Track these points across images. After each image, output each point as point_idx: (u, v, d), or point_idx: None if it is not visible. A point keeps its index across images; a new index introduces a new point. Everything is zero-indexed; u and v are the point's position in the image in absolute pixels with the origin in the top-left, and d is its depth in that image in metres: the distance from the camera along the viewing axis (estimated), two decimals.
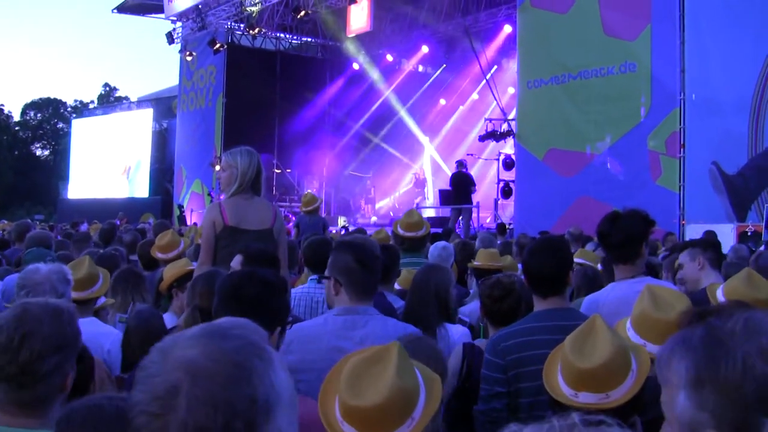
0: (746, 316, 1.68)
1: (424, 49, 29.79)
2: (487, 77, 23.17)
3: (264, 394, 1.35)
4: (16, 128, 75.82)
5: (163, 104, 42.37)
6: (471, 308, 6.07)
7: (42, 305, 2.76)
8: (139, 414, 1.32)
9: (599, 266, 6.86)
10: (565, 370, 2.99)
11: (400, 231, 7.32)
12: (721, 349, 1.62)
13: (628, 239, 4.56)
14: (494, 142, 23.22)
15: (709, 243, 6.26)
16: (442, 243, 7.98)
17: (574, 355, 2.95)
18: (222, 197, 5.97)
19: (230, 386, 1.32)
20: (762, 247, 9.42)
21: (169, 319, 5.05)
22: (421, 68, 31.89)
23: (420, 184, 29.82)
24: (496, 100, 22.95)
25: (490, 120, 23.59)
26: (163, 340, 1.43)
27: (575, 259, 6.56)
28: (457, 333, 5.02)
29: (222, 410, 1.31)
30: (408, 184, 31.37)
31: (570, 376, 2.94)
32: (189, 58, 31.73)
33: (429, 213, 24.66)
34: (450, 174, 24.14)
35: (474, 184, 21.19)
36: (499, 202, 22.70)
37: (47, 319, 2.67)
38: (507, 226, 18.09)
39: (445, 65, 30.84)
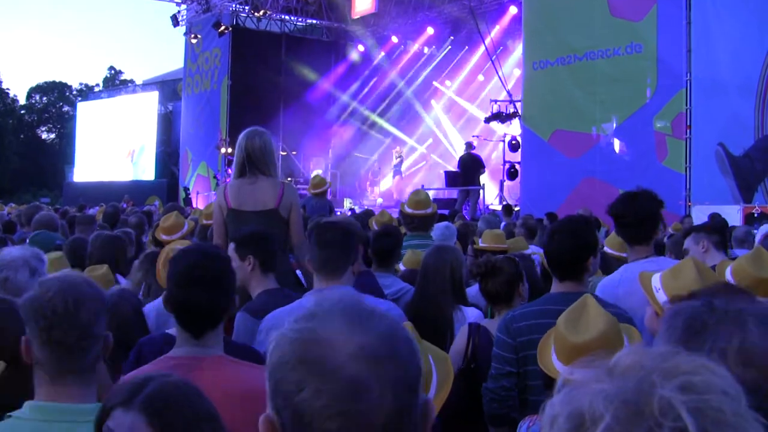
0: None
1: (430, 30, 29.69)
2: (493, 58, 23.11)
3: (420, 362, 1.37)
4: (22, 112, 75.88)
5: (168, 87, 42.42)
6: (476, 289, 6.08)
7: (69, 274, 2.84)
8: (334, 416, 1.24)
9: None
10: (560, 347, 3.00)
11: (408, 210, 7.31)
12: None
13: (645, 219, 4.51)
14: (500, 123, 23.16)
15: (714, 227, 6.32)
16: (444, 223, 8.01)
17: (568, 330, 2.96)
18: (228, 180, 5.99)
19: (409, 364, 1.33)
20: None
21: None
22: (426, 50, 31.74)
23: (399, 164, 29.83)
24: (501, 81, 22.90)
25: (496, 101, 23.51)
26: (299, 328, 1.33)
27: None
28: (472, 315, 5.00)
29: (410, 387, 1.32)
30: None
31: (564, 352, 2.95)
32: (194, 41, 31.71)
33: (436, 195, 24.61)
34: (454, 155, 24.10)
35: (483, 166, 21.16)
36: (505, 183, 22.65)
37: (85, 284, 2.73)
38: (513, 207, 18.07)
39: (450, 47, 30.74)
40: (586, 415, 1.01)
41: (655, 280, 3.45)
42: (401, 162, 29.92)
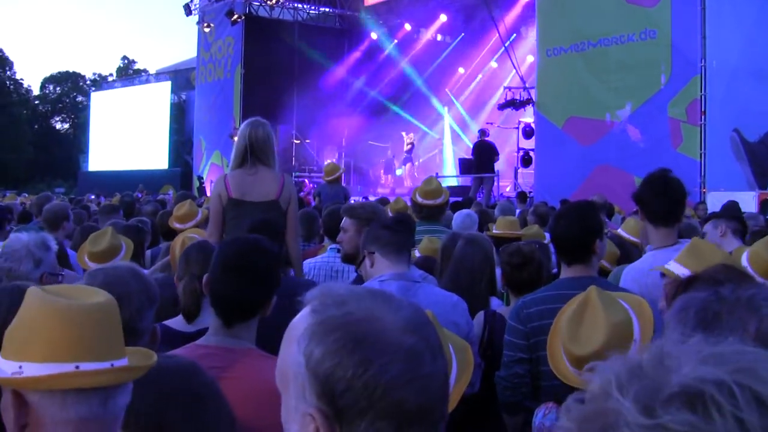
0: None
1: (443, 17, 29.61)
2: (506, 45, 23.04)
3: None
4: (36, 102, 76.25)
5: (181, 76, 42.51)
6: None
7: (118, 266, 2.83)
8: (406, 384, 1.30)
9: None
10: (567, 354, 2.98)
11: (419, 199, 7.25)
12: None
13: (676, 203, 4.48)
14: (513, 110, 23.12)
15: (733, 213, 6.36)
16: (466, 211, 7.97)
17: (569, 341, 2.93)
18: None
19: (436, 331, 1.42)
20: None
21: None
22: (439, 37, 31.68)
23: (411, 151, 29.71)
24: (515, 68, 22.83)
25: (510, 88, 23.47)
26: (336, 314, 1.37)
27: None
28: (495, 304, 4.99)
29: (442, 349, 1.40)
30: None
31: (572, 360, 2.93)
32: (207, 30, 31.73)
33: (450, 182, 24.58)
34: (469, 143, 24.05)
35: (497, 153, 21.11)
36: (519, 170, 22.64)
37: (131, 278, 2.73)
38: (527, 195, 18.04)
39: (463, 34, 30.64)
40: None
41: (677, 268, 3.42)
42: (412, 149, 29.83)
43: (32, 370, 1.70)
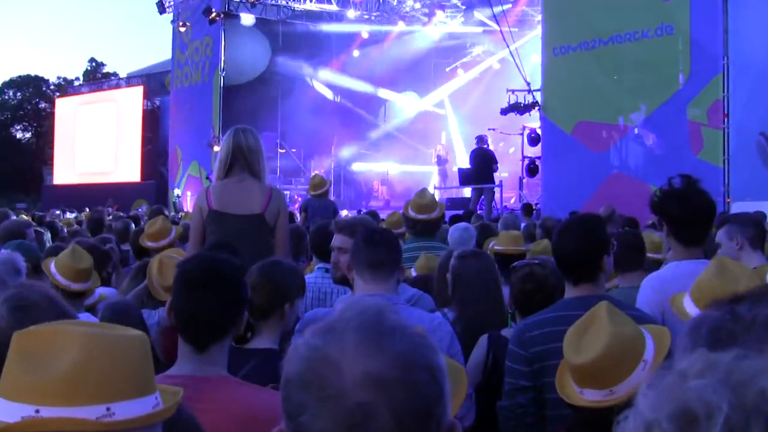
0: None
1: (440, 14, 29.62)
2: (509, 44, 23.07)
3: (445, 387, 1.39)
4: None
5: (155, 80, 42.41)
6: None
7: (27, 287, 2.83)
8: None
9: None
10: (569, 366, 2.98)
11: (411, 213, 7.21)
12: None
13: (706, 228, 4.43)
14: (517, 115, 23.12)
15: (749, 219, 6.07)
16: (463, 224, 7.94)
17: (569, 349, 2.94)
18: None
19: (425, 388, 1.34)
20: None
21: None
22: (437, 35, 31.69)
23: (441, 162, 29.46)
24: (518, 69, 22.84)
25: (513, 91, 23.46)
26: (311, 343, 1.37)
27: None
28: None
29: (424, 414, 1.33)
30: (424, 163, 30.95)
31: (572, 372, 2.94)
32: (182, 29, 31.69)
33: (448, 193, 24.58)
34: (468, 150, 24.05)
35: (496, 162, 21.10)
36: (524, 180, 22.60)
37: (45, 301, 2.72)
38: (533, 207, 18.03)
39: (463, 31, 30.68)
40: (698, 410, 1.02)
41: (690, 307, 3.44)
42: (439, 159, 29.34)
43: (126, 409, 1.70)
